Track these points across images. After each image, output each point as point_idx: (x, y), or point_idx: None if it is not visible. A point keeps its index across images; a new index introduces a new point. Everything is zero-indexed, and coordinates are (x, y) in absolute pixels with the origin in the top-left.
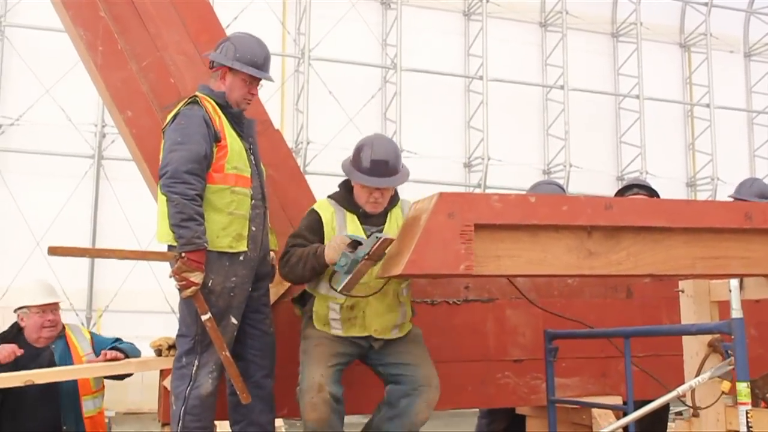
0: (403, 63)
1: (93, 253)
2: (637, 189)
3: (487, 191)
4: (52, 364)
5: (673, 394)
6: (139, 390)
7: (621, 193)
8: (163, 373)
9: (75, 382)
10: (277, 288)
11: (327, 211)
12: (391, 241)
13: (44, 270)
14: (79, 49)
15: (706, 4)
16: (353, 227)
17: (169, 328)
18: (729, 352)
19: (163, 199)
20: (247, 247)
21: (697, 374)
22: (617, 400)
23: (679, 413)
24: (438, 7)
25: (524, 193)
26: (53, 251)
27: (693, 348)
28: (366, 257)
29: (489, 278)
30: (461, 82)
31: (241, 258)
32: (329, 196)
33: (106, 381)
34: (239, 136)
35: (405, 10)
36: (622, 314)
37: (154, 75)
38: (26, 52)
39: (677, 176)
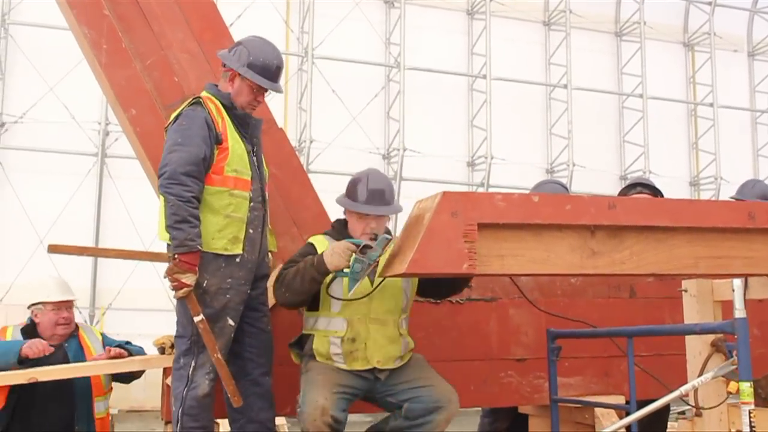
0: (406, 62)
1: (91, 252)
2: (640, 188)
3: (490, 190)
4: (66, 363)
5: (676, 393)
6: (142, 388)
7: (624, 192)
8: (166, 371)
9: (89, 382)
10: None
11: (322, 245)
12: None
13: (47, 268)
14: (83, 47)
15: (709, 4)
16: None
17: (172, 326)
18: (732, 351)
19: (162, 198)
20: (244, 249)
21: (700, 374)
22: (620, 400)
23: (682, 413)
24: (441, 5)
25: (527, 192)
26: (53, 249)
27: (696, 348)
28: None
29: (492, 277)
30: (464, 81)
31: (238, 260)
32: (324, 233)
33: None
34: (242, 137)
35: (408, 9)
36: (625, 314)
37: (158, 73)
38: (30, 49)
39: (680, 175)
